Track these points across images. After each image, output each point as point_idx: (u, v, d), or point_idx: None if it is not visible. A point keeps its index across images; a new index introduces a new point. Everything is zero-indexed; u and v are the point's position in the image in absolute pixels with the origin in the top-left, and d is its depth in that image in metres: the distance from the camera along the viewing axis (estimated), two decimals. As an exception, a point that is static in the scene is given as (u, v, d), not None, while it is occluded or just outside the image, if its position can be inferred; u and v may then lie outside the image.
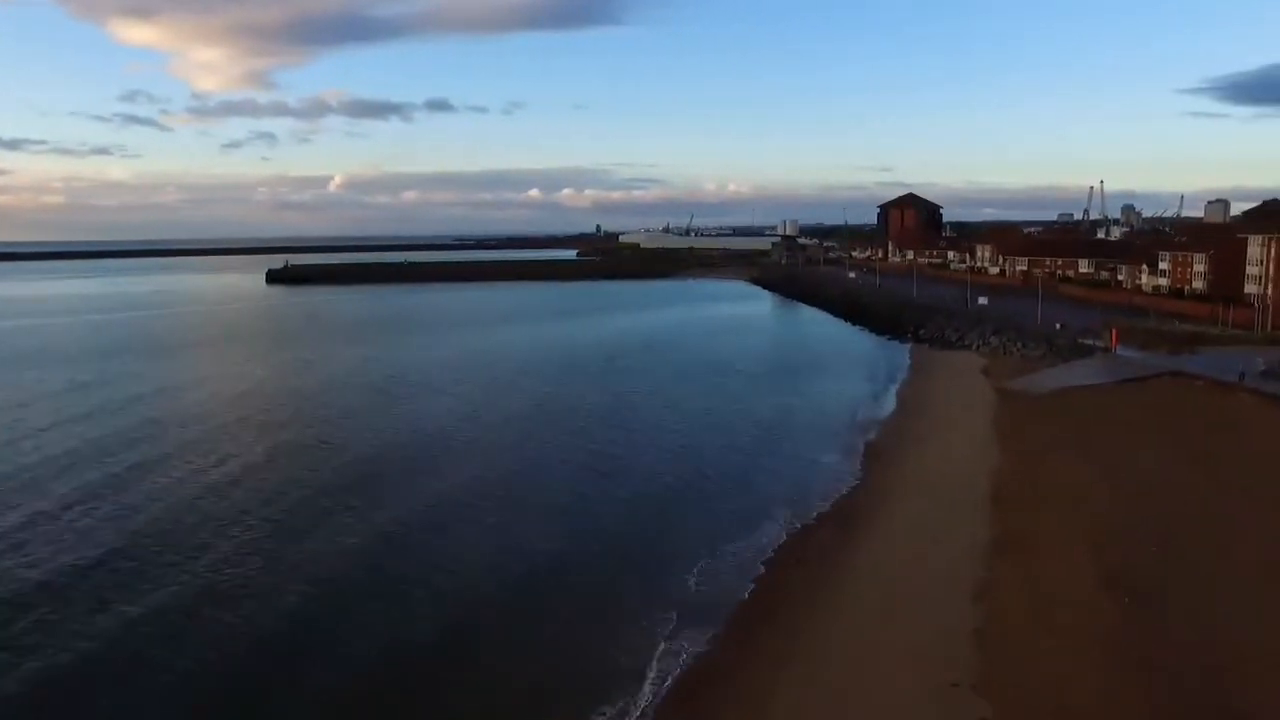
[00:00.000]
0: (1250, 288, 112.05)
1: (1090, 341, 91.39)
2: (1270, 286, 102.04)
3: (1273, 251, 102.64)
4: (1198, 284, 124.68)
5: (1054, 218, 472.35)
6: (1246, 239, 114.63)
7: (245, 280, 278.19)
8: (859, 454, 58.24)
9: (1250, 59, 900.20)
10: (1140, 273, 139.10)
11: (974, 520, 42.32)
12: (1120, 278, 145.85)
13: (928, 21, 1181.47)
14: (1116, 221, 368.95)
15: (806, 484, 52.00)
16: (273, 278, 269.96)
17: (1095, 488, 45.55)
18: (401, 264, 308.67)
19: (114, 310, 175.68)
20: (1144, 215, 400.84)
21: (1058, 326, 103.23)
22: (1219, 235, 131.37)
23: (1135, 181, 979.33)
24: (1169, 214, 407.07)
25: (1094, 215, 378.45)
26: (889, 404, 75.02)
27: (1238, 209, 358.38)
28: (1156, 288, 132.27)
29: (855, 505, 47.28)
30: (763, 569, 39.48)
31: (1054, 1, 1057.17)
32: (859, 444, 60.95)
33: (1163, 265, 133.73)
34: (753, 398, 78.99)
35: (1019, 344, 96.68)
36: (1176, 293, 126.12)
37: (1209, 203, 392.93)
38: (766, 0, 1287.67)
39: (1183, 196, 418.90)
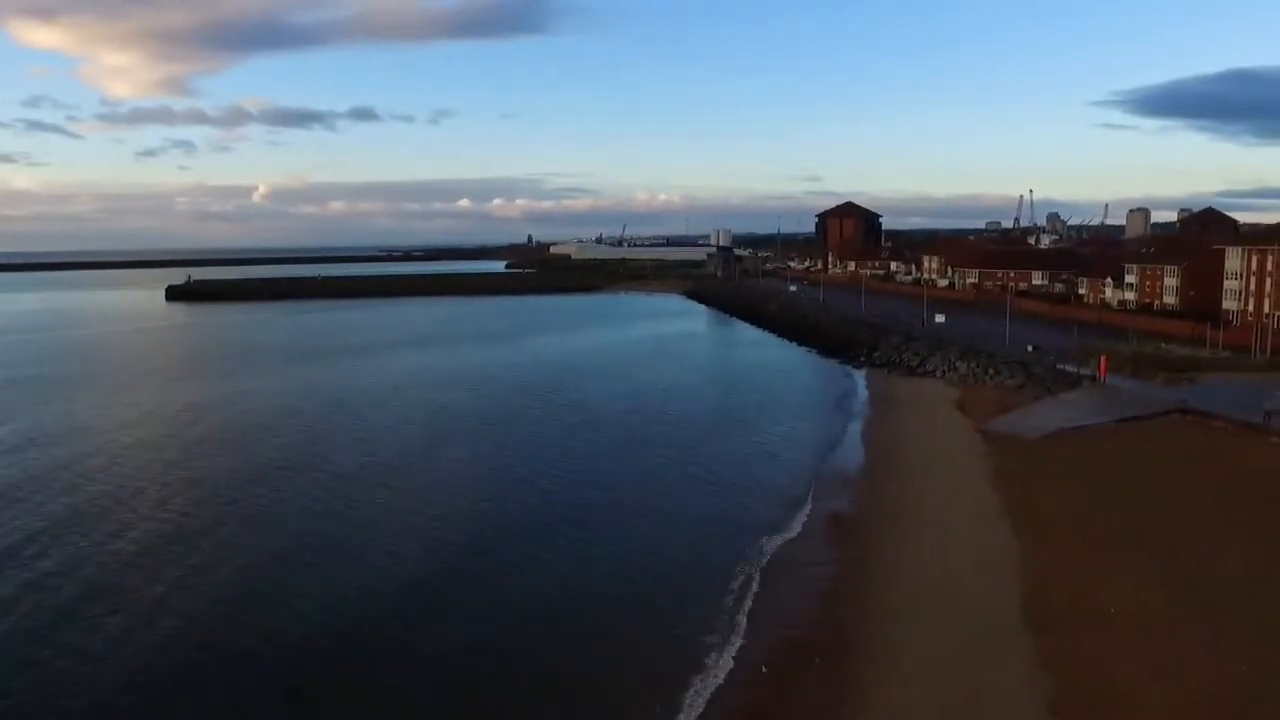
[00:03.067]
0: (1229, 303, 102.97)
1: (1074, 369, 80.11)
2: (1268, 304, 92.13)
3: (1268, 265, 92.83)
4: (1169, 299, 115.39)
5: (981, 226, 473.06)
6: (1223, 251, 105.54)
7: (145, 297, 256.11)
8: (827, 535, 45.01)
9: (1155, 73, 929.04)
10: (1104, 286, 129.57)
11: (1016, 667, 29.25)
12: (1081, 291, 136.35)
13: (851, 34, 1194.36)
14: (1044, 230, 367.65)
15: (759, 591, 38.33)
16: (173, 294, 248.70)
17: (1164, 603, 32.98)
18: (318, 279, 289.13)
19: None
20: (1069, 224, 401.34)
21: (1030, 349, 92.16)
22: (1191, 247, 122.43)
23: (1054, 190, 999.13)
24: (1094, 222, 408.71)
25: (1024, 223, 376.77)
26: (854, 454, 61.94)
27: (1154, 218, 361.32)
28: (1123, 303, 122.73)
29: (837, 629, 33.79)
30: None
31: (969, 14, 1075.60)
32: (822, 517, 47.77)
33: (1129, 279, 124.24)
34: (685, 446, 65.28)
35: (992, 371, 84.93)
36: (1145, 308, 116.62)
37: (1130, 211, 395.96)
38: (691, 11, 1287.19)
39: (1107, 205, 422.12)
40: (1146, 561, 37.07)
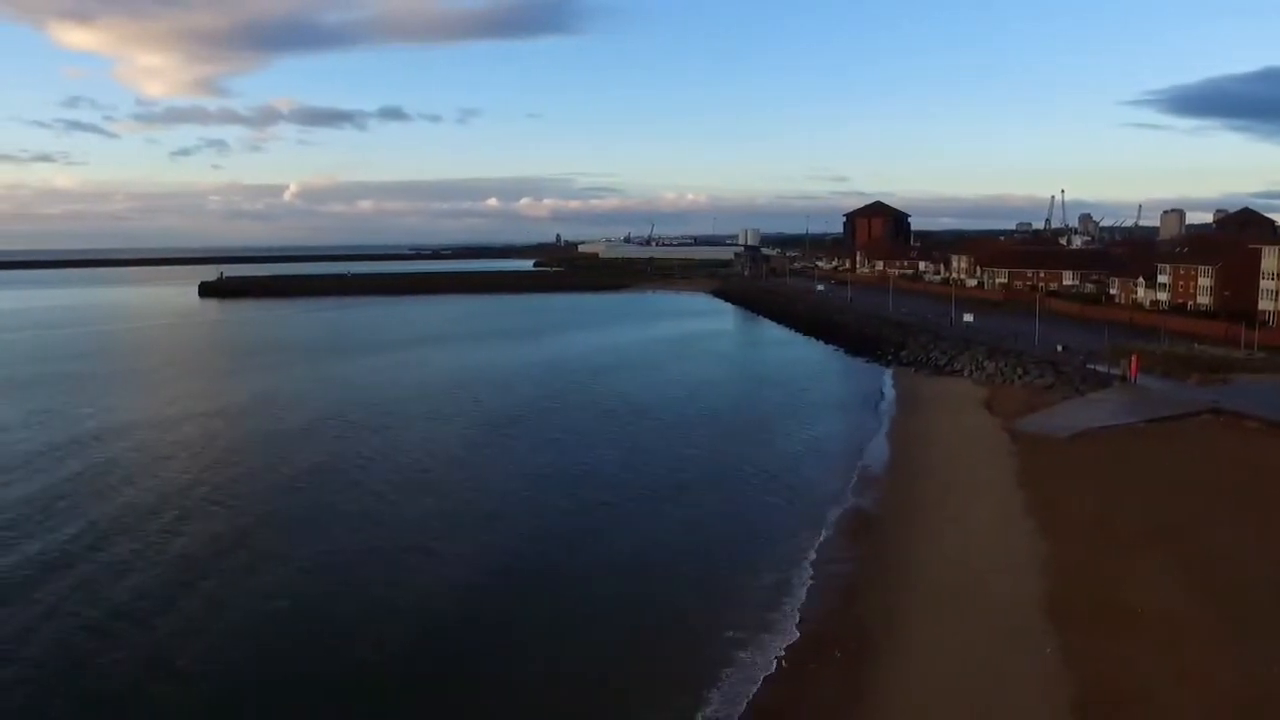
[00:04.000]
0: (1265, 304, 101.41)
1: (1105, 369, 79.33)
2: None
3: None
4: (1202, 299, 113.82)
5: (1011, 227, 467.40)
6: (1260, 250, 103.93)
7: (178, 293, 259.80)
8: (853, 532, 45.00)
9: (1189, 72, 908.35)
10: (1136, 286, 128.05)
11: (1038, 666, 29.15)
12: (1113, 291, 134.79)
13: (879, 33, 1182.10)
14: (1075, 230, 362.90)
15: (788, 588, 38.42)
16: (205, 291, 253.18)
17: (1191, 604, 32.73)
18: (346, 276, 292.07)
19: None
20: (1101, 224, 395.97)
21: (1059, 349, 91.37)
22: (1226, 247, 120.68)
23: (1085, 191, 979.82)
24: (1127, 223, 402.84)
25: (1055, 224, 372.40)
26: (881, 452, 61.71)
27: (1190, 219, 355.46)
28: (1155, 303, 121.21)
29: (858, 625, 33.83)
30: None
31: (998, 12, 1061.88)
32: (850, 514, 47.79)
33: (1162, 279, 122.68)
34: (717, 445, 65.52)
35: (1020, 370, 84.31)
36: (1178, 308, 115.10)
37: (1165, 212, 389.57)
38: (718, 10, 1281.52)
39: (1140, 206, 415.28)
40: (1174, 561, 36.75)
